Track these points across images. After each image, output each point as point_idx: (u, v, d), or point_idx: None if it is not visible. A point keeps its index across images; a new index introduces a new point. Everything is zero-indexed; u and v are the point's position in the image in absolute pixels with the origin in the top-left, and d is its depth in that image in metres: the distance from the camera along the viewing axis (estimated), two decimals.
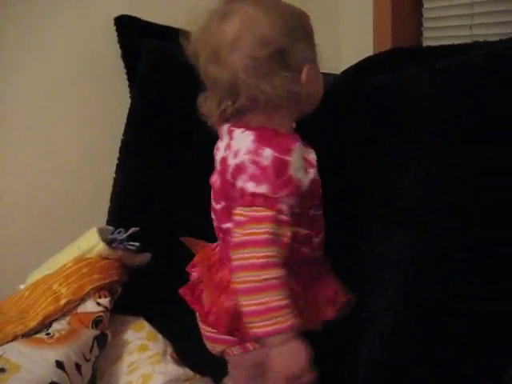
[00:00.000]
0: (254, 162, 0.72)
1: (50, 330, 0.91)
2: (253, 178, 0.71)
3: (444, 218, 0.80)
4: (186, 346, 0.98)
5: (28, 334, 0.90)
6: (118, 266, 1.00)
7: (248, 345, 0.81)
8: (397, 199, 0.84)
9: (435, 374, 0.81)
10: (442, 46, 0.95)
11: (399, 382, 0.81)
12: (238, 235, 0.70)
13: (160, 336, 0.98)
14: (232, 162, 0.75)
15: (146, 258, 1.06)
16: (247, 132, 0.75)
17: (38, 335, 0.90)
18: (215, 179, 0.80)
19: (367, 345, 0.82)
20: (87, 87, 1.27)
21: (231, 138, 0.77)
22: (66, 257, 1.01)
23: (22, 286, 1.03)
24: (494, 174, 0.80)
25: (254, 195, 0.70)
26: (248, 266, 0.69)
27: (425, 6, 1.38)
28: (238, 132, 0.76)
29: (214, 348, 0.85)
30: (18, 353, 0.85)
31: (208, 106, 0.76)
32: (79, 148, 1.27)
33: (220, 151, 0.80)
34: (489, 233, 0.80)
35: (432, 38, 1.37)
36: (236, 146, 0.75)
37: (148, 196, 1.12)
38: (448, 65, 0.83)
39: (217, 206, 0.80)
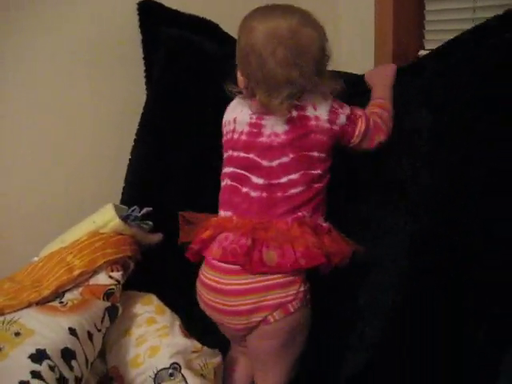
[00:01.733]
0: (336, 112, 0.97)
1: (63, 299, 0.93)
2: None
3: None
4: (192, 320, 1.00)
5: (42, 302, 0.92)
6: (131, 242, 1.02)
7: (290, 306, 0.92)
8: None
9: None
10: None
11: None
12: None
13: (168, 310, 1.00)
14: (321, 119, 0.95)
15: (158, 237, 1.09)
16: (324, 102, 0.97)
17: (51, 303, 0.92)
18: (270, 139, 0.95)
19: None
20: (103, 72, 1.29)
21: (304, 110, 0.95)
22: (80, 231, 1.04)
23: (35, 259, 1.05)
24: None
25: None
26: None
27: (427, 9, 1.39)
28: (310, 106, 0.95)
29: (251, 320, 0.92)
30: (33, 318, 0.87)
31: (275, 101, 0.92)
32: (95, 130, 1.30)
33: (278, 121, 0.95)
34: None
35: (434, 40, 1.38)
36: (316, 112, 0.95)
37: (162, 178, 1.15)
38: None
39: (273, 162, 0.94)
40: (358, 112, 1.00)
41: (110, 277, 0.98)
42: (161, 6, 1.25)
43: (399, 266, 0.98)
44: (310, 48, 0.91)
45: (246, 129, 0.97)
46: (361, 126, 0.98)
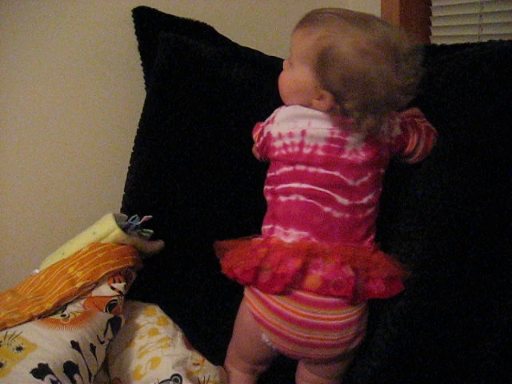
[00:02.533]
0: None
1: (65, 312, 0.92)
2: None
3: None
4: (197, 333, 0.99)
5: (44, 316, 0.91)
6: (133, 251, 1.01)
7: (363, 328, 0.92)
8: None
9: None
10: None
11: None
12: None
13: (171, 320, 0.99)
14: (385, 134, 0.93)
15: (159, 245, 1.08)
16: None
17: (53, 316, 0.91)
18: (352, 157, 0.92)
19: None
20: (102, 78, 1.28)
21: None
22: (80, 242, 1.03)
23: (36, 271, 1.04)
24: None
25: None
26: None
27: (433, 4, 1.38)
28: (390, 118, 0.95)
29: (348, 348, 0.91)
30: (35, 332, 0.86)
31: (376, 121, 0.89)
32: (94, 138, 1.29)
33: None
34: None
35: (441, 37, 1.38)
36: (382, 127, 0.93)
37: (163, 185, 1.14)
38: None
39: (357, 182, 0.92)
40: (407, 119, 0.97)
41: (113, 288, 0.96)
42: (155, 11, 1.24)
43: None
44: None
45: (323, 144, 0.91)
46: (413, 133, 0.95)
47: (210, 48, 1.23)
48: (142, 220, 1.04)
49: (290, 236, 0.92)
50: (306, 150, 0.92)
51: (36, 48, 1.21)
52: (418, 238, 0.92)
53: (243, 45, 1.29)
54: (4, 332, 0.86)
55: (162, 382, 0.88)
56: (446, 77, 1.02)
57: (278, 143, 0.96)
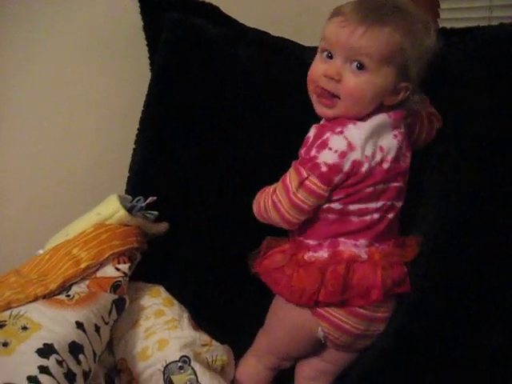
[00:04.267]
0: None
1: (69, 293, 0.92)
2: None
3: None
4: (202, 314, 0.99)
5: (48, 296, 0.91)
6: (137, 233, 1.01)
7: None
8: None
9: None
10: None
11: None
12: None
13: (176, 302, 0.99)
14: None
15: (164, 227, 1.07)
16: None
17: (58, 297, 0.91)
18: (405, 163, 0.92)
19: None
20: (107, 59, 1.27)
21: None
22: (85, 223, 1.02)
23: (40, 251, 1.04)
24: None
25: None
26: None
27: None
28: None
29: (373, 331, 0.92)
30: (40, 312, 0.86)
31: None
32: (100, 120, 1.29)
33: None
34: None
35: None
36: None
37: (168, 166, 1.13)
38: None
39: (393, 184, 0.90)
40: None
41: (117, 269, 0.96)
42: None
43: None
44: None
45: (393, 153, 0.88)
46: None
47: (216, 29, 1.21)
48: (146, 201, 1.04)
49: (360, 246, 0.90)
50: (385, 166, 0.87)
51: (42, 30, 1.20)
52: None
53: (250, 25, 1.27)
54: (9, 312, 0.86)
55: (171, 363, 0.88)
56: (457, 61, 1.01)
57: (365, 167, 0.86)
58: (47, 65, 1.23)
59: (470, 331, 0.88)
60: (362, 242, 0.89)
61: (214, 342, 0.93)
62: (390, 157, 0.88)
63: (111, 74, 1.28)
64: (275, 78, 1.16)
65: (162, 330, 0.93)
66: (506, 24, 1.01)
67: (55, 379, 0.75)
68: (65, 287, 0.93)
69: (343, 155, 0.85)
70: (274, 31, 1.27)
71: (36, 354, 0.78)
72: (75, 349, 0.82)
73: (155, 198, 1.05)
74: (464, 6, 1.33)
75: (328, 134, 0.86)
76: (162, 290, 1.01)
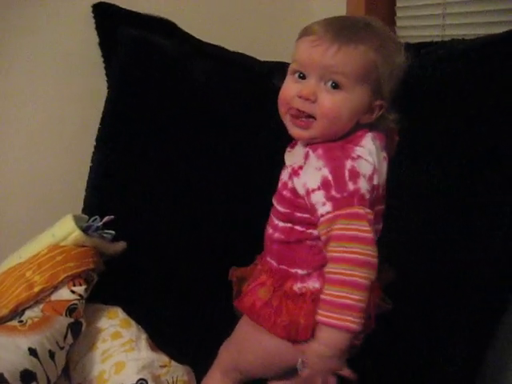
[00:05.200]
0: None
1: (22, 318, 0.90)
2: None
3: None
4: (161, 335, 0.98)
5: (0, 322, 0.88)
6: (93, 253, 0.98)
7: None
8: None
9: None
10: None
11: None
12: None
13: (134, 323, 0.97)
14: None
15: (121, 246, 1.05)
16: None
17: (10, 323, 0.88)
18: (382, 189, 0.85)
19: None
20: (62, 75, 1.25)
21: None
22: (39, 245, 0.99)
23: None
24: None
25: None
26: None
27: (397, 5, 1.40)
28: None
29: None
30: None
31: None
32: (54, 137, 1.26)
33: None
34: None
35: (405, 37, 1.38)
36: None
37: (123, 185, 1.11)
38: None
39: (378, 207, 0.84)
40: None
41: (73, 291, 0.94)
42: (116, 7, 1.21)
43: None
44: None
45: (385, 176, 0.84)
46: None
47: (172, 44, 1.21)
48: (103, 221, 1.02)
49: None
50: (381, 189, 0.83)
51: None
52: None
53: (206, 41, 1.27)
54: None
55: None
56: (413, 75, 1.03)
57: (380, 190, 0.83)
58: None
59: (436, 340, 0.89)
60: None
61: (174, 363, 0.92)
62: (383, 179, 0.84)
63: (67, 90, 1.26)
64: (230, 90, 1.16)
65: (119, 352, 0.91)
66: (458, 40, 1.03)
67: None
68: (17, 312, 0.91)
69: (371, 177, 0.81)
70: (230, 46, 1.27)
71: None
72: (28, 377, 0.79)
73: (112, 217, 1.03)
74: (418, 24, 1.36)
75: (350, 162, 0.79)
76: (119, 311, 0.99)
